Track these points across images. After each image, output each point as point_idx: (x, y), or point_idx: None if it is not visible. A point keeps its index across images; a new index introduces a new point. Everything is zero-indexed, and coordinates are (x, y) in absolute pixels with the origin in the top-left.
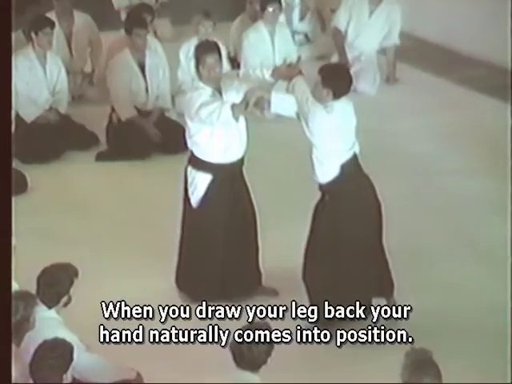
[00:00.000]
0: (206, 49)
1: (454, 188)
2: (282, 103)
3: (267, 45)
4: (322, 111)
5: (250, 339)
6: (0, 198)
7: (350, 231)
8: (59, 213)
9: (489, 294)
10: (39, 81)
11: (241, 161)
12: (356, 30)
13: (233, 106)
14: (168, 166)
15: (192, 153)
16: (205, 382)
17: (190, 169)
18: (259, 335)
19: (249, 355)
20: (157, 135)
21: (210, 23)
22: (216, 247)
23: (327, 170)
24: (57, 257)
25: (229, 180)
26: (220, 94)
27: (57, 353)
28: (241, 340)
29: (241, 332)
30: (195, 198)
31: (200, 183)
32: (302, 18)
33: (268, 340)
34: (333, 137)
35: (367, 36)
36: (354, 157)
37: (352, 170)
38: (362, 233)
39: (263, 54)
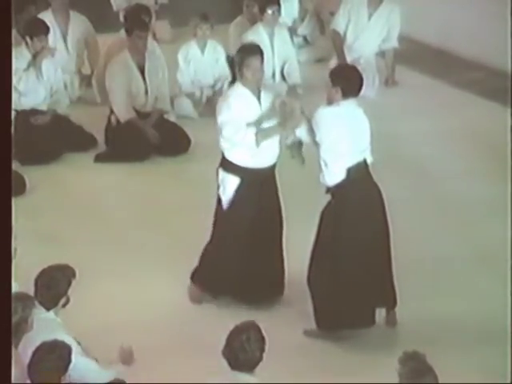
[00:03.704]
0: (250, 51)
1: (453, 191)
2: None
3: (266, 47)
4: (324, 106)
5: (242, 340)
6: (0, 200)
7: (353, 237)
8: (58, 214)
9: (489, 295)
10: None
11: (272, 167)
12: (355, 33)
13: (257, 133)
14: (167, 167)
15: (223, 154)
16: (204, 382)
17: (220, 170)
18: (250, 335)
19: (244, 356)
20: (155, 137)
21: (207, 26)
22: (240, 250)
23: (333, 171)
24: (55, 258)
25: (257, 185)
26: (258, 98)
27: (55, 354)
28: (233, 343)
29: (232, 335)
30: (225, 199)
31: (228, 185)
32: (301, 21)
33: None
34: (337, 133)
35: (366, 39)
36: (364, 163)
37: (359, 175)
38: (366, 240)
39: None
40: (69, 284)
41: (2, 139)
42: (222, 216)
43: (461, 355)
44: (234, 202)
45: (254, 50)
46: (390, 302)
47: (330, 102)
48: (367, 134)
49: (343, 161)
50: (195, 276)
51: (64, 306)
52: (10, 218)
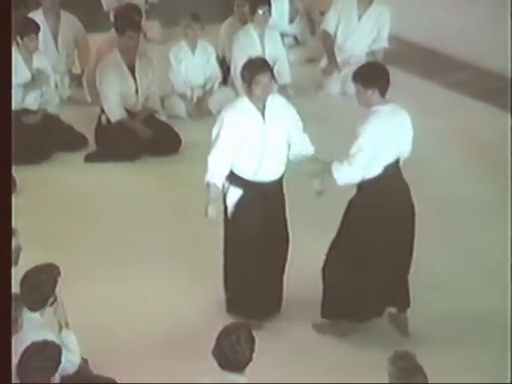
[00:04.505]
0: (258, 67)
1: (444, 191)
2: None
3: (257, 48)
4: (371, 117)
5: (232, 340)
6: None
7: (377, 232)
8: (48, 214)
9: (489, 295)
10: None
11: (278, 180)
12: (345, 33)
13: (212, 186)
14: (157, 167)
15: None
16: (194, 382)
17: (226, 179)
18: (240, 335)
19: (234, 357)
20: (146, 132)
21: (198, 26)
22: (243, 265)
23: (370, 170)
24: (45, 258)
25: (261, 198)
26: (263, 113)
27: (45, 355)
28: (223, 343)
29: (221, 335)
30: (229, 210)
31: (231, 196)
32: (291, 21)
33: (249, 338)
34: (382, 144)
35: (356, 39)
36: (397, 162)
37: (392, 172)
38: (389, 236)
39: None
40: (55, 283)
41: (2, 139)
42: (228, 225)
43: (461, 355)
44: (235, 213)
45: (264, 67)
46: (403, 304)
47: (368, 105)
48: (409, 136)
49: (382, 163)
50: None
51: (52, 304)
52: (10, 219)
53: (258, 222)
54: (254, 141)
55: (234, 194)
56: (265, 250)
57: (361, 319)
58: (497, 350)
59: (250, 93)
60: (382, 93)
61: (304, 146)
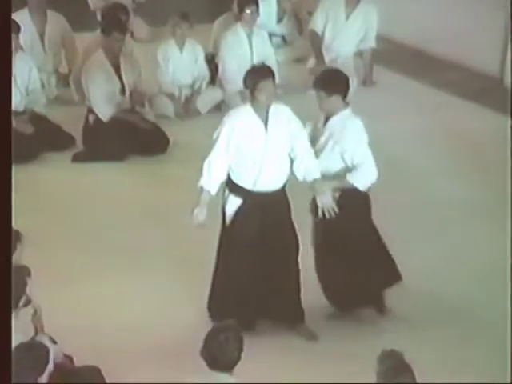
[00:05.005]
0: (262, 74)
1: (432, 190)
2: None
3: (245, 47)
4: (348, 121)
5: (221, 340)
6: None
7: (341, 224)
8: (35, 214)
9: (488, 295)
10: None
11: (279, 190)
12: (333, 33)
13: (204, 192)
14: (145, 167)
15: (228, 173)
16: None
17: (226, 188)
18: (228, 335)
19: (222, 357)
20: (146, 123)
21: (186, 25)
22: (244, 276)
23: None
24: (32, 258)
25: (260, 208)
26: (265, 122)
27: (31, 355)
28: (211, 343)
29: (210, 335)
30: (228, 217)
31: (230, 205)
32: (279, 21)
33: (237, 338)
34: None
35: (344, 39)
36: None
37: None
38: (354, 226)
39: (241, 56)
40: (25, 284)
41: (2, 139)
42: (225, 233)
43: (460, 355)
44: (233, 222)
45: (267, 73)
46: (395, 278)
47: (330, 112)
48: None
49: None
50: (210, 302)
51: (26, 305)
52: (10, 219)
53: (255, 231)
54: (254, 150)
55: (234, 203)
56: (262, 260)
57: (361, 303)
58: (496, 349)
59: (253, 100)
60: (345, 96)
61: (311, 170)
